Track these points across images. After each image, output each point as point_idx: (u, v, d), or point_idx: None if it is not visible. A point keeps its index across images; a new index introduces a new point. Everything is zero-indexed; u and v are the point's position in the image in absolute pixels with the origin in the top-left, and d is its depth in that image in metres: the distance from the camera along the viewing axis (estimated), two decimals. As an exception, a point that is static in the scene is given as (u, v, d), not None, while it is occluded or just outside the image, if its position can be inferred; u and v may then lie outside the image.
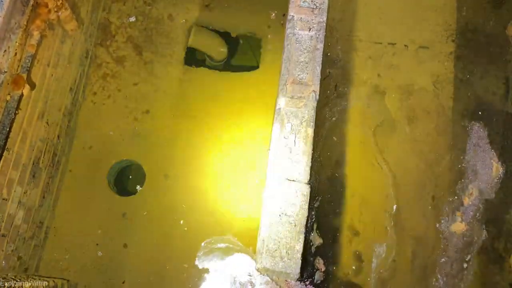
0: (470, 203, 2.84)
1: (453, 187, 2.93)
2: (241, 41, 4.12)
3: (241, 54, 4.18)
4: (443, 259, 2.78)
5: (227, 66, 4.10)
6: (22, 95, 2.59)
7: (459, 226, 2.82)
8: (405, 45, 3.70)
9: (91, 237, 3.39)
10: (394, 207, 2.90)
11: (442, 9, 3.80)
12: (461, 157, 2.99)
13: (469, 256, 2.76)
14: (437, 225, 2.86)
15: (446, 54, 3.65)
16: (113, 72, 3.68)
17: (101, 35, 3.73)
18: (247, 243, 2.99)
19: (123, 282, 3.32)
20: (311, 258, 2.76)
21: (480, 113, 3.15)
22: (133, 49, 3.74)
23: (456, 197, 2.90)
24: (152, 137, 3.61)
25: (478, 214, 2.84)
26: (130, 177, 3.85)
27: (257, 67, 3.86)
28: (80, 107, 3.57)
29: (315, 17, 2.41)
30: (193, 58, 4.04)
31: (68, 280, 3.16)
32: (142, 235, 3.42)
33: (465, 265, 2.75)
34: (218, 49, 3.97)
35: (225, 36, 3.97)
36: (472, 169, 2.94)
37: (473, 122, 3.11)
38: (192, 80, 3.77)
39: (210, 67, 3.92)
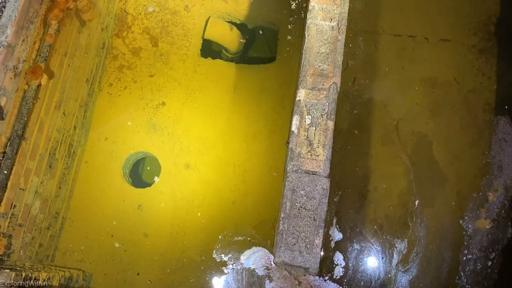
0: (495, 199, 2.77)
1: (478, 183, 2.85)
2: (257, 33, 4.07)
3: (257, 46, 4.14)
4: (466, 257, 2.71)
5: (243, 58, 4.06)
6: (40, 84, 2.58)
7: (483, 223, 2.75)
8: (426, 38, 3.61)
9: (106, 228, 3.39)
10: (416, 202, 2.84)
11: (464, 1, 3.70)
12: (486, 152, 2.91)
13: (493, 254, 2.69)
14: (461, 221, 2.79)
15: (468, 47, 3.56)
16: (129, 64, 3.66)
17: (117, 26, 3.71)
18: (265, 237, 2.96)
19: (138, 274, 3.32)
20: (331, 253, 2.72)
21: (506, 107, 3.06)
22: (149, 41, 3.72)
23: (480, 193, 2.83)
24: (168, 129, 3.59)
25: (503, 211, 2.76)
26: (148, 168, 3.84)
27: (274, 59, 3.81)
28: (96, 98, 3.56)
29: (337, 7, 2.36)
30: (209, 49, 4.00)
31: (83, 271, 3.16)
32: (157, 227, 3.41)
33: (489, 263, 2.68)
34: (234, 41, 3.92)
35: (241, 27, 3.92)
36: (498, 165, 2.86)
37: (498, 116, 3.02)
38: (208, 72, 3.74)
39: (226, 59, 3.88)
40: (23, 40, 2.55)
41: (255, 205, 3.43)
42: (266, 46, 4.12)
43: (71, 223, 3.37)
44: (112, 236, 3.38)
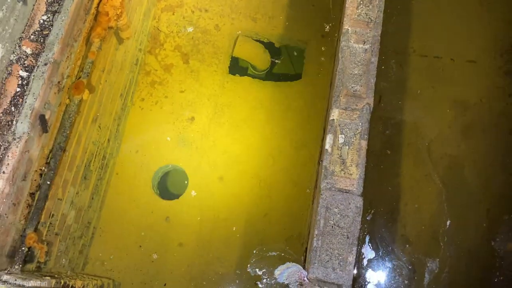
0: None
1: (509, 205, 2.87)
2: (284, 52, 4.18)
3: (284, 64, 4.23)
4: (498, 278, 2.71)
5: (270, 75, 4.16)
6: (81, 99, 2.70)
7: None
8: (452, 59, 3.67)
9: (134, 238, 3.48)
10: (448, 222, 2.86)
11: (490, 24, 3.75)
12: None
13: None
14: (492, 243, 2.81)
15: (494, 68, 3.60)
16: (161, 79, 3.79)
17: (150, 43, 3.85)
18: (299, 252, 3.01)
19: (165, 285, 3.39)
20: (363, 271, 2.75)
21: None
22: (181, 58, 3.84)
23: None
24: (196, 143, 3.68)
25: None
26: (175, 180, 3.93)
27: (300, 77, 3.90)
28: (128, 112, 3.68)
29: (370, 30, 2.43)
30: (237, 67, 4.11)
31: (113, 280, 3.24)
32: (184, 239, 3.48)
33: None
34: (261, 59, 4.03)
35: (269, 46, 4.03)
36: None
37: None
38: (236, 89, 3.84)
39: (253, 76, 3.98)
40: (67, 56, 2.68)
41: (280, 220, 3.48)
42: (293, 64, 4.22)
43: (101, 232, 3.47)
44: (140, 246, 3.47)
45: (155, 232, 3.50)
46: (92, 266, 3.37)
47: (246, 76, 3.91)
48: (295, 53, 4.10)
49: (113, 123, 3.42)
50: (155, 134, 3.70)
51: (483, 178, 3.03)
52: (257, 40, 4.01)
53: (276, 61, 4.07)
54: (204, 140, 3.70)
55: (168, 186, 3.97)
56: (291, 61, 4.31)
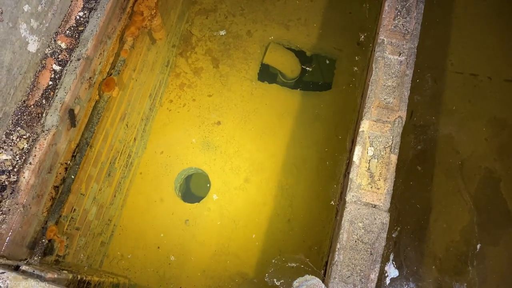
0: None
1: None
2: (315, 61, 4.13)
3: (314, 73, 4.18)
4: None
5: (299, 84, 4.11)
6: (111, 96, 2.72)
7: None
8: (489, 77, 3.54)
9: (153, 239, 3.47)
10: (478, 245, 2.74)
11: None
12: None
13: None
14: None
15: (533, 89, 3.46)
16: (190, 82, 3.79)
17: (182, 46, 3.87)
18: (319, 265, 2.93)
19: (180, 288, 3.36)
20: None
21: None
22: (211, 62, 3.85)
23: None
24: (221, 147, 3.66)
25: None
26: (198, 183, 3.92)
27: (329, 87, 3.84)
28: (156, 113, 3.69)
29: (406, 42, 2.37)
30: (267, 74, 4.09)
31: (129, 279, 3.23)
32: (202, 243, 3.45)
33: None
34: (291, 67, 3.99)
35: (299, 54, 3.99)
36: None
37: None
38: (264, 96, 3.81)
39: (282, 84, 3.95)
40: (100, 53, 2.71)
41: (301, 231, 3.41)
42: (323, 74, 4.16)
43: (121, 231, 3.47)
44: (158, 248, 3.45)
45: (173, 234, 3.48)
46: (109, 264, 3.37)
47: (274, 84, 3.88)
48: (327, 62, 4.05)
49: (141, 123, 3.44)
50: (181, 136, 3.69)
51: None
52: (288, 48, 3.98)
53: (308, 68, 4.03)
54: (229, 145, 3.68)
55: (190, 188, 3.96)
56: (321, 71, 4.26)
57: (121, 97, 3.02)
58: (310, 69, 4.11)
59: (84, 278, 2.43)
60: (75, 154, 2.59)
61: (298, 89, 3.85)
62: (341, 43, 3.84)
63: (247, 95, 3.80)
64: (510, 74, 3.52)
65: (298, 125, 3.73)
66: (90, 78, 2.66)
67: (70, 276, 2.28)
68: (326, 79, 4.12)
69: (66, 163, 2.57)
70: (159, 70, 3.54)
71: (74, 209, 2.76)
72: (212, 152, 3.67)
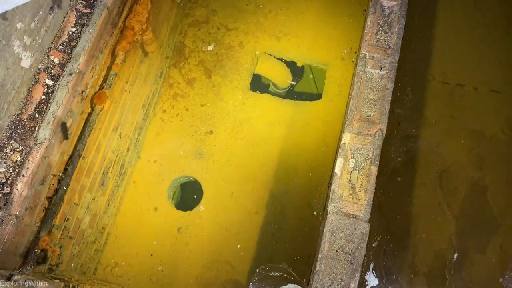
0: None
1: None
2: (305, 71, 4.21)
3: (304, 83, 4.26)
4: None
5: (290, 94, 4.19)
6: (102, 109, 2.80)
7: None
8: (475, 88, 3.61)
9: (146, 247, 3.53)
10: (456, 255, 2.80)
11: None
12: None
13: None
14: (501, 279, 2.72)
15: (518, 99, 3.53)
16: (183, 92, 3.87)
17: (175, 57, 3.95)
18: (301, 275, 3.00)
19: (172, 296, 3.42)
20: None
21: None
22: (204, 72, 3.92)
23: None
24: (213, 156, 3.73)
25: None
26: (195, 196, 3.98)
27: (320, 97, 3.91)
28: (150, 123, 3.77)
29: (388, 57, 2.44)
30: (259, 84, 4.16)
31: (122, 287, 3.29)
32: (194, 251, 3.51)
33: None
34: (282, 77, 4.07)
35: (290, 65, 4.07)
36: None
37: None
38: (256, 105, 3.88)
39: (273, 94, 4.02)
40: (92, 68, 2.79)
41: (291, 240, 3.48)
42: (313, 84, 4.24)
43: (114, 239, 3.54)
44: (151, 255, 3.52)
45: (166, 242, 3.55)
46: (103, 272, 3.44)
47: (266, 94, 3.95)
48: (317, 73, 4.13)
49: (134, 133, 3.52)
50: (174, 146, 3.77)
51: (497, 211, 2.95)
52: (279, 59, 4.06)
53: (293, 83, 4.13)
54: (221, 154, 3.75)
55: (183, 197, 4.02)
56: (314, 81, 4.34)
57: (114, 109, 3.10)
58: (295, 83, 4.20)
59: (77, 287, 2.49)
60: (67, 165, 2.67)
61: (290, 99, 3.92)
62: (328, 56, 3.92)
63: (239, 105, 3.88)
64: (495, 85, 3.59)
65: (289, 134, 3.80)
66: (82, 91, 2.74)
67: (62, 285, 2.35)
68: (319, 90, 4.19)
69: (59, 175, 2.65)
70: (152, 81, 3.62)
71: (67, 219, 2.83)
72: (204, 161, 3.74)
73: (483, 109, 3.40)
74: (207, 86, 3.90)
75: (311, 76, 4.24)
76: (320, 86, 4.05)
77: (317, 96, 4.00)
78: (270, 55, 4.04)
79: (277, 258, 3.32)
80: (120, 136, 3.28)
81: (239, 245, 3.50)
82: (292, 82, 4.20)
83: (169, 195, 3.73)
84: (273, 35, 4.01)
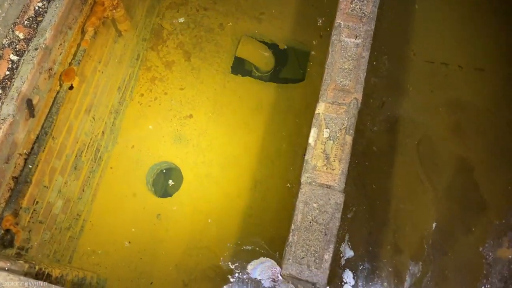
0: None
1: (502, 210, 2.71)
2: (288, 53, 4.12)
3: (287, 66, 4.18)
4: (485, 286, 2.54)
5: (273, 77, 4.10)
6: (72, 87, 2.69)
7: (505, 252, 2.58)
8: (459, 66, 3.54)
9: (124, 234, 3.43)
10: (434, 224, 2.72)
11: (501, 31, 3.62)
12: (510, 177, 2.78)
13: None
14: (481, 248, 2.65)
15: (503, 77, 3.46)
16: (161, 76, 3.77)
17: (153, 40, 3.85)
18: (274, 248, 2.90)
19: (151, 283, 3.32)
20: (340, 270, 2.62)
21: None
22: (183, 55, 3.83)
23: (504, 221, 2.68)
24: (193, 141, 3.63)
25: None
26: (170, 181, 3.89)
27: (303, 79, 3.83)
28: (127, 107, 3.67)
29: (363, 25, 2.36)
30: (240, 67, 4.07)
31: (97, 274, 3.19)
32: (174, 237, 3.41)
33: None
34: (265, 60, 3.98)
35: (273, 47, 3.98)
36: None
37: None
38: (237, 89, 3.79)
39: (255, 77, 3.93)
40: (60, 44, 2.68)
41: (273, 222, 3.38)
42: (296, 66, 4.16)
43: (91, 226, 3.43)
44: (129, 243, 3.41)
45: (145, 229, 3.44)
46: (79, 260, 3.33)
47: (248, 77, 3.87)
48: (299, 55, 4.05)
49: (109, 116, 3.41)
50: (152, 130, 3.67)
51: (474, 180, 2.87)
52: (261, 41, 3.97)
53: (277, 67, 4.05)
54: (201, 139, 3.66)
55: (162, 183, 3.92)
56: (298, 63, 4.25)
57: (86, 89, 3.00)
58: (278, 67, 4.12)
59: (43, 270, 2.39)
60: (35, 144, 2.56)
61: (272, 82, 3.84)
62: (309, 35, 3.83)
63: (219, 88, 3.79)
64: (481, 63, 3.52)
65: (271, 117, 3.71)
66: (50, 68, 2.64)
67: (26, 266, 2.24)
68: (302, 72, 4.11)
69: (25, 154, 2.54)
70: (128, 64, 3.52)
71: (37, 202, 2.72)
72: (184, 146, 3.64)
73: (468, 86, 3.33)
74: (186, 69, 3.80)
75: (294, 58, 4.15)
76: (303, 68, 3.97)
77: (300, 79, 3.91)
78: (252, 37, 3.95)
79: (255, 234, 3.21)
80: (93, 118, 3.18)
81: (219, 231, 3.40)
82: (276, 67, 4.11)
83: (148, 182, 3.63)
84: (253, 17, 3.93)
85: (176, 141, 3.65)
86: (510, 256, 2.59)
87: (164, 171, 3.86)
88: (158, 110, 3.70)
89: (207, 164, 3.59)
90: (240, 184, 3.53)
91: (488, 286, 2.53)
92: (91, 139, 3.21)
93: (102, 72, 3.16)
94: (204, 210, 3.47)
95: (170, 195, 3.55)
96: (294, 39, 3.92)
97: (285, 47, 3.98)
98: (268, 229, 3.32)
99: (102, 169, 3.47)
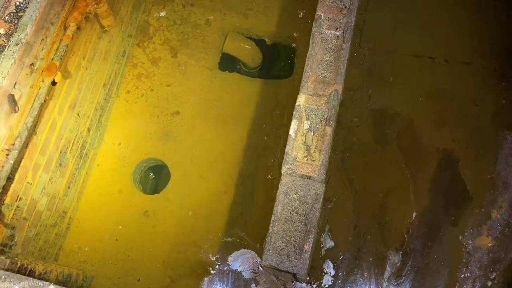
0: (499, 216, 2.61)
1: (480, 198, 2.71)
2: (275, 49, 4.12)
3: (275, 61, 4.17)
4: (464, 274, 2.54)
5: (261, 73, 4.09)
6: (54, 82, 2.68)
7: (484, 241, 2.59)
8: (446, 60, 3.55)
9: (111, 232, 3.41)
10: (414, 214, 2.72)
11: (489, 24, 3.63)
12: (491, 167, 2.78)
13: (494, 274, 2.52)
14: (460, 237, 2.65)
15: (489, 71, 3.46)
16: (148, 72, 3.76)
17: (139, 36, 3.84)
18: (255, 239, 2.90)
19: (139, 280, 3.30)
20: (320, 261, 2.62)
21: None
22: (169, 51, 3.82)
23: (483, 209, 2.68)
24: (180, 137, 3.62)
25: (507, 229, 2.59)
26: (154, 176, 3.87)
27: (290, 75, 3.83)
28: (113, 104, 3.65)
29: (343, 17, 2.36)
30: (227, 63, 4.06)
31: (84, 272, 3.17)
32: (161, 234, 3.40)
33: (489, 283, 2.50)
34: (252, 56, 3.97)
35: (260, 43, 3.97)
36: (503, 181, 2.71)
37: (506, 132, 2.90)
38: (224, 85, 3.78)
39: (243, 73, 3.93)
40: (42, 39, 2.67)
41: (262, 219, 3.37)
42: (284, 61, 4.15)
43: (78, 223, 3.41)
44: (116, 240, 3.40)
45: (132, 226, 3.43)
46: (65, 258, 3.31)
47: (235, 73, 3.86)
48: (286, 50, 4.04)
49: (95, 113, 3.40)
50: (139, 127, 3.65)
51: (454, 169, 2.87)
52: (248, 37, 3.96)
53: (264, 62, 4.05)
54: (189, 135, 3.64)
55: (149, 180, 3.91)
56: (285, 60, 4.24)
57: (70, 85, 2.98)
58: (266, 62, 4.11)
59: (26, 265, 2.37)
60: (17, 140, 2.54)
61: (260, 78, 3.83)
62: (295, 30, 3.83)
63: (206, 84, 3.78)
64: (467, 57, 3.53)
65: (259, 113, 3.70)
66: (31, 64, 2.63)
67: (8, 261, 2.23)
68: (290, 67, 4.11)
69: (7, 149, 2.53)
70: (113, 60, 3.51)
71: (20, 198, 2.71)
72: (171, 143, 3.63)
73: (452, 79, 3.33)
74: (172, 65, 3.79)
75: (281, 53, 4.14)
76: (291, 63, 3.96)
77: (288, 74, 3.91)
78: (239, 33, 3.94)
79: (235, 225, 3.20)
80: (78, 114, 3.16)
81: (207, 227, 3.38)
82: (263, 62, 4.10)
83: (135, 179, 3.62)
84: (240, 12, 3.92)
85: (163, 138, 3.63)
86: (489, 244, 2.59)
87: (151, 168, 3.85)
88: (144, 107, 3.69)
89: (195, 161, 3.58)
90: (228, 179, 3.52)
91: (468, 274, 2.54)
92: (76, 136, 3.20)
93: (87, 68, 3.15)
94: (192, 206, 3.46)
95: (158, 192, 3.54)
96: (281, 35, 3.91)
97: (272, 42, 3.98)
98: (256, 224, 3.31)
99: (88, 166, 3.46)
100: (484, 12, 3.64)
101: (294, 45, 3.90)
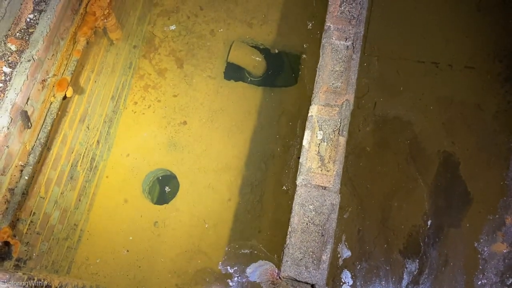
0: None
1: (495, 205, 2.74)
2: (280, 58, 4.15)
3: (279, 70, 4.20)
4: (481, 281, 2.57)
5: (265, 81, 4.12)
6: (65, 97, 2.70)
7: (500, 247, 2.61)
8: (449, 65, 3.58)
9: (122, 243, 3.43)
10: (429, 222, 2.74)
11: (492, 29, 3.67)
12: (504, 174, 2.81)
13: (511, 280, 2.54)
14: (476, 244, 2.67)
15: (493, 75, 3.50)
16: (155, 83, 3.79)
17: (145, 48, 3.87)
18: (272, 250, 2.92)
19: (150, 291, 3.32)
20: (338, 271, 2.64)
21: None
22: (175, 62, 3.85)
23: (497, 216, 2.71)
24: (188, 147, 3.65)
25: None
26: (166, 187, 3.89)
27: (295, 83, 3.86)
28: (121, 115, 3.68)
29: (352, 27, 2.39)
30: (233, 72, 4.09)
31: (97, 284, 3.18)
32: (172, 244, 3.42)
33: None
34: (257, 65, 4.00)
35: (264, 52, 4.01)
36: None
37: None
38: (230, 94, 3.81)
39: (248, 82, 3.95)
40: (53, 54, 2.70)
41: (271, 225, 3.40)
42: (288, 70, 4.18)
43: (89, 236, 3.43)
44: (127, 251, 3.41)
45: (143, 236, 3.45)
46: (77, 270, 3.33)
47: (241, 82, 3.89)
48: (291, 59, 4.07)
49: (103, 125, 3.42)
50: (147, 138, 3.68)
51: (467, 176, 2.90)
52: (252, 46, 3.99)
53: (269, 72, 4.07)
54: (196, 145, 3.67)
55: (158, 190, 3.93)
56: (290, 68, 4.27)
57: (79, 99, 3.00)
58: (271, 72, 4.14)
59: (42, 281, 2.38)
60: (30, 156, 2.56)
61: (265, 86, 3.86)
62: (300, 38, 3.87)
63: (212, 94, 3.81)
64: (470, 61, 3.56)
65: (265, 121, 3.74)
66: (43, 80, 2.65)
67: (26, 277, 2.24)
68: (294, 75, 4.14)
69: (21, 165, 2.54)
70: (121, 72, 3.53)
71: (34, 213, 2.72)
72: (179, 153, 3.65)
73: (458, 84, 3.37)
74: (179, 76, 3.82)
75: (285, 62, 4.17)
76: (295, 71, 3.99)
77: (293, 82, 3.94)
78: (243, 42, 3.98)
79: (252, 237, 3.22)
80: (88, 127, 3.18)
81: (216, 236, 3.41)
82: (268, 71, 4.13)
83: (144, 190, 3.64)
84: (244, 22, 3.95)
85: (171, 148, 3.66)
86: (504, 251, 2.62)
87: (160, 178, 3.87)
88: (152, 117, 3.71)
89: (203, 170, 3.60)
90: (235, 188, 3.54)
91: (485, 281, 2.56)
92: (86, 149, 3.22)
93: (95, 81, 3.17)
94: (201, 216, 3.48)
95: (167, 202, 3.56)
96: (285, 43, 3.95)
97: (277, 51, 4.01)
98: (266, 232, 3.34)
99: (98, 178, 3.48)
100: (487, 17, 3.68)
101: (299, 53, 3.93)
